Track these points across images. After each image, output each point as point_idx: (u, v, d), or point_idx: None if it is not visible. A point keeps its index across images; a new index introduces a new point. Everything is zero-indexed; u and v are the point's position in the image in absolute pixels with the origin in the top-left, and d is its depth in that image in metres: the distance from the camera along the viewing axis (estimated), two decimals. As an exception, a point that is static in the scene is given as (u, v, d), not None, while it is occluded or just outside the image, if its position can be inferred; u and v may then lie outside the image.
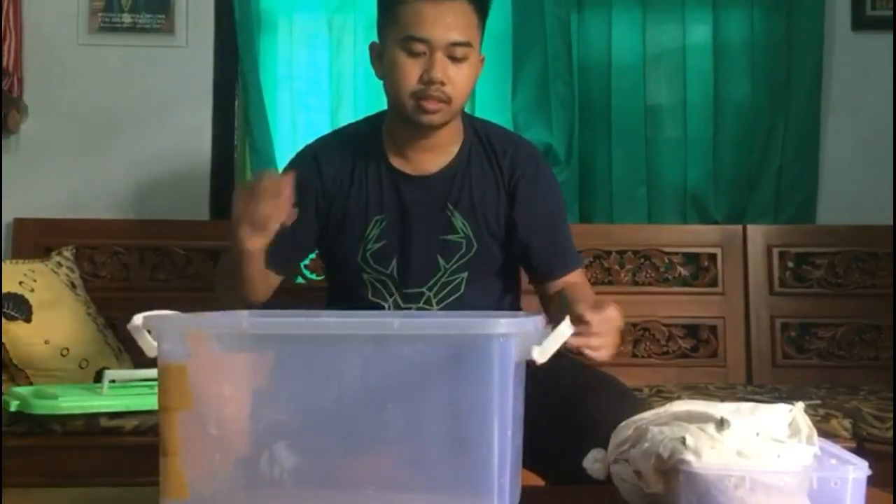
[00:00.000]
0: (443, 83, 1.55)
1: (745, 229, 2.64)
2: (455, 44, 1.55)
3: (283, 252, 1.63)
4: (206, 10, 2.72)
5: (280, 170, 2.72)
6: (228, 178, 2.78)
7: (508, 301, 1.79)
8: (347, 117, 2.73)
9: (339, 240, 1.71)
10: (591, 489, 1.45)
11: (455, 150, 1.70)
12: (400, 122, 1.66)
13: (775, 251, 2.61)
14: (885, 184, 2.69)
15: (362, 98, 2.74)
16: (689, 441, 1.02)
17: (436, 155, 1.69)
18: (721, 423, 1.04)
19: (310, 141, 1.83)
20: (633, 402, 1.52)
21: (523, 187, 1.71)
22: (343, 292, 1.76)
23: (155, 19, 2.70)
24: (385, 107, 1.72)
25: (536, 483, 1.54)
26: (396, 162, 1.70)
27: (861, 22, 2.73)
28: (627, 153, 2.70)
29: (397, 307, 1.69)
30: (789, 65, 2.72)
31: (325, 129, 2.73)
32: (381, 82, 2.72)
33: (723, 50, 2.73)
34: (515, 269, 1.81)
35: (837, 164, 2.74)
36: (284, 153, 2.72)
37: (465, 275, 1.70)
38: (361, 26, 2.73)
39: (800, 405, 1.09)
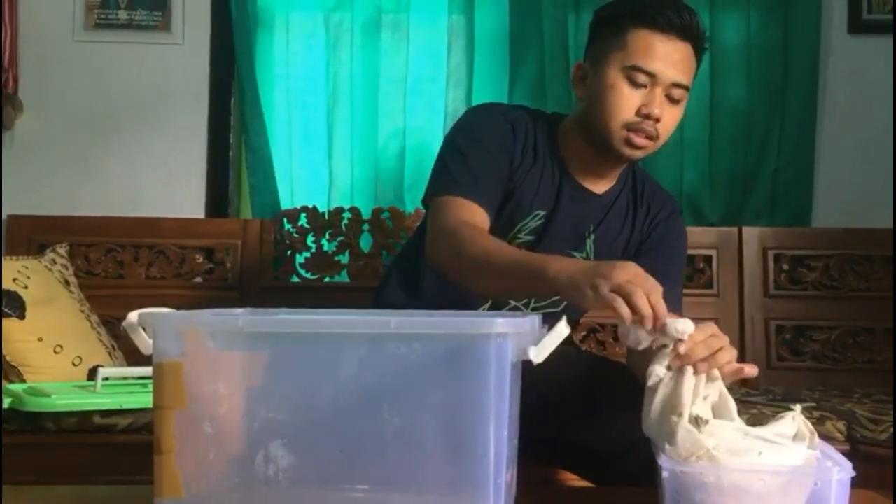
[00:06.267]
0: (657, 119, 1.52)
1: (740, 231, 2.64)
2: (677, 84, 1.52)
3: (495, 189, 1.57)
4: (202, 7, 2.72)
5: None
6: (224, 176, 2.78)
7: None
8: (344, 116, 2.73)
9: (495, 217, 1.61)
10: (587, 492, 1.46)
11: (616, 178, 1.69)
12: (590, 143, 1.61)
13: (770, 253, 2.62)
14: (880, 187, 2.70)
15: (359, 96, 2.73)
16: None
17: (603, 178, 1.67)
18: (697, 422, 1.05)
19: (489, 103, 1.73)
20: None
21: (656, 232, 1.70)
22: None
23: (151, 16, 2.69)
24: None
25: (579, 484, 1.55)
26: (572, 170, 1.66)
27: (857, 25, 2.74)
28: (623, 154, 2.69)
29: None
30: (786, 68, 2.73)
31: (322, 128, 2.74)
32: (376, 79, 2.76)
33: (719, 52, 2.73)
34: None
35: (833, 166, 2.74)
36: (280, 151, 2.72)
37: None
38: (358, 25, 2.73)
39: (798, 408, 1.09)
